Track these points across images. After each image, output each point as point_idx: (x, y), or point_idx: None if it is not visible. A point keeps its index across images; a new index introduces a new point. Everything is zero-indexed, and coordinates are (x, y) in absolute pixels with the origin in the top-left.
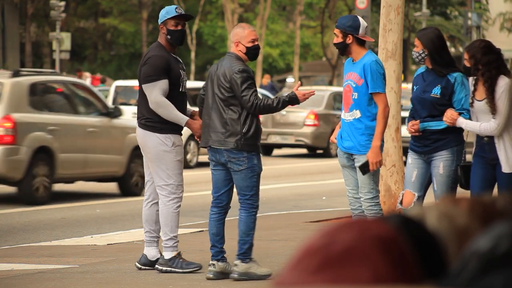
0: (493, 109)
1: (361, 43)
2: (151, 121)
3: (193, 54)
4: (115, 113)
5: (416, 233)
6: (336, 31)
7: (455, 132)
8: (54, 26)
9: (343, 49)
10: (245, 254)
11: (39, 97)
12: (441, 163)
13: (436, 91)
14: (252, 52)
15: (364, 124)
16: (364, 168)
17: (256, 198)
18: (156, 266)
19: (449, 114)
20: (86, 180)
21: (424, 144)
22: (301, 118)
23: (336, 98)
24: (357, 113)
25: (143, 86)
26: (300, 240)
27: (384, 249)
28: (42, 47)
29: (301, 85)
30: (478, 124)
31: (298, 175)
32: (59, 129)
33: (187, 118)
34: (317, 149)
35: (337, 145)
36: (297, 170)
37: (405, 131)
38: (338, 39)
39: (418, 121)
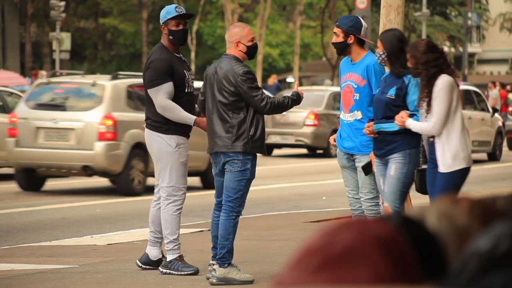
0: (428, 108)
1: (362, 43)
2: (156, 122)
3: (193, 54)
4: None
5: (416, 233)
6: (337, 30)
7: (409, 134)
8: (54, 26)
9: (343, 49)
10: (223, 258)
11: (135, 98)
12: (393, 165)
13: (392, 92)
14: (252, 51)
15: (366, 124)
16: (367, 169)
17: (238, 202)
18: (159, 268)
19: (399, 116)
20: None
21: (379, 147)
22: (301, 118)
23: (336, 98)
24: (358, 114)
25: (148, 91)
26: (300, 240)
27: (384, 249)
28: (42, 47)
29: (301, 84)
30: (419, 124)
31: (298, 175)
32: None
33: (195, 117)
34: (317, 149)
35: (337, 145)
36: (297, 170)
37: None
38: (338, 39)
39: (372, 122)
